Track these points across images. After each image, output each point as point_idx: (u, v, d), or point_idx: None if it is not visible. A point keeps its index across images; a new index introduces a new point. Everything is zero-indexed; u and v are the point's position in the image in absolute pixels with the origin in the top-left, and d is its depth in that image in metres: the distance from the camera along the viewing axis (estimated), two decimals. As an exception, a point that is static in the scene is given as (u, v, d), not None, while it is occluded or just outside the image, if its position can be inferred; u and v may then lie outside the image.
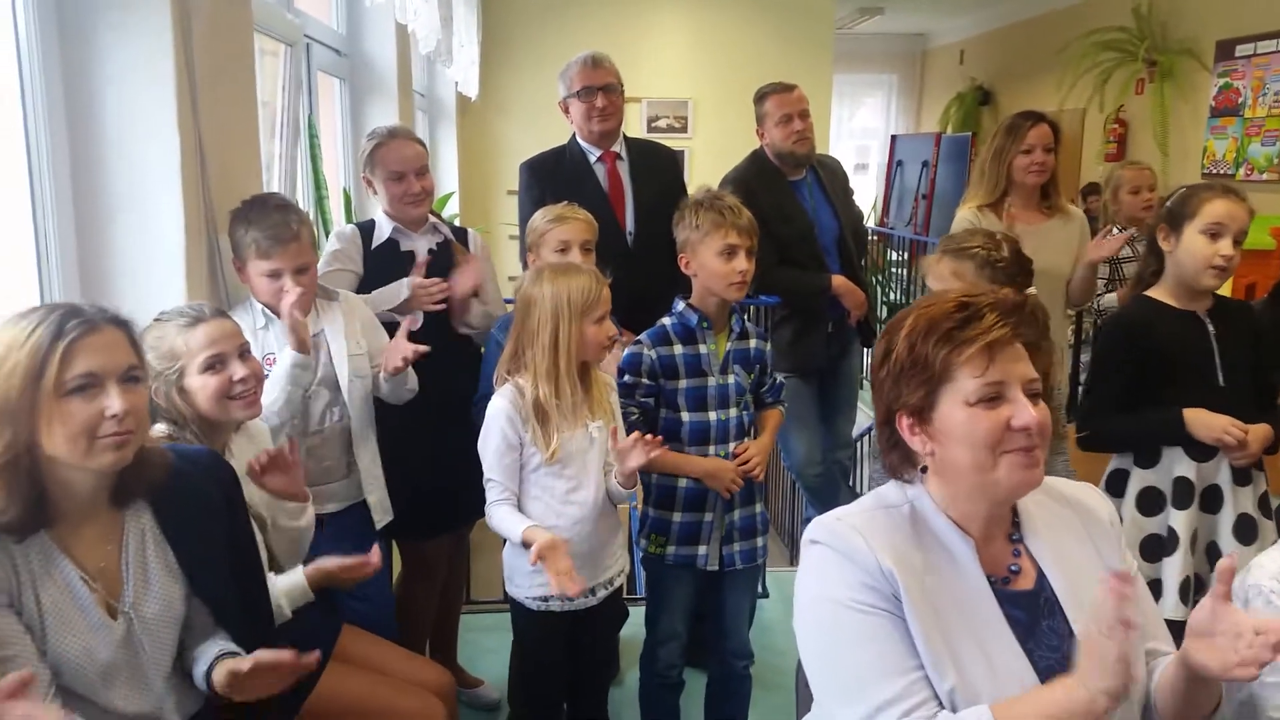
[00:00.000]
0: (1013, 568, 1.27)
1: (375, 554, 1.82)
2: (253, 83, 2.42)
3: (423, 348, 2.14)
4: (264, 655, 1.40)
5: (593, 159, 2.96)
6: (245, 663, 1.40)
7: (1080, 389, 2.37)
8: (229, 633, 1.51)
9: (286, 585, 1.74)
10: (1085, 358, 3.64)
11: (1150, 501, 2.24)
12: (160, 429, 1.71)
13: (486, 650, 3.01)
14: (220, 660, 1.45)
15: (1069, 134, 6.49)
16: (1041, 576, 1.27)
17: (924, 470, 1.28)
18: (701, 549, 2.24)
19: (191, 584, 1.46)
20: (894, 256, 7.47)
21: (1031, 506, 1.31)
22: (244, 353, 1.78)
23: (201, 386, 1.71)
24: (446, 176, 6.37)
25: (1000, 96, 8.51)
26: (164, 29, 1.91)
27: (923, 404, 1.22)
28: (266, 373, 1.94)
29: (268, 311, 2.12)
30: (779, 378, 2.38)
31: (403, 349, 2.15)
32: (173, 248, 2.01)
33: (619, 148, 2.99)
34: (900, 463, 1.30)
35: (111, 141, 1.96)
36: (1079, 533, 1.31)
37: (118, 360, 1.31)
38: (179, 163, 1.98)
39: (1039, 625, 1.23)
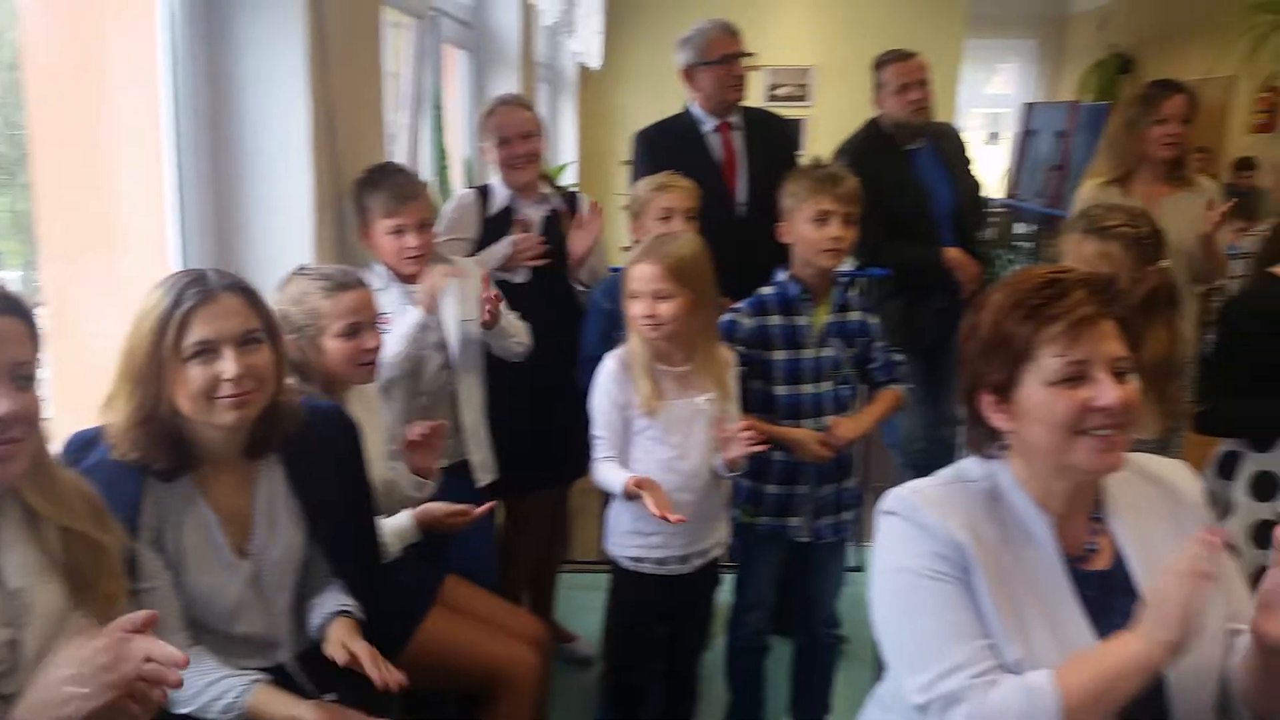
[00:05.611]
0: (1090, 546, 1.26)
1: (479, 509, 1.93)
2: (379, 55, 2.54)
3: (437, 277, 2.21)
4: (368, 659, 1.49)
5: (707, 128, 2.98)
6: (360, 650, 1.49)
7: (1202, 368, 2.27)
8: (343, 576, 1.63)
9: (396, 526, 1.87)
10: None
11: (1263, 486, 2.15)
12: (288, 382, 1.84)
13: (584, 607, 3.09)
14: (335, 620, 1.56)
15: (1216, 104, 6.15)
16: (1119, 556, 1.26)
17: (1007, 446, 1.28)
18: (794, 520, 2.26)
19: (313, 531, 1.58)
20: (1021, 230, 7.19)
21: (1116, 485, 1.29)
22: (375, 325, 1.91)
23: (337, 349, 1.85)
24: (565, 146, 6.48)
25: (1142, 64, 8.06)
26: (297, 2, 2.02)
27: (1005, 382, 1.22)
28: (382, 330, 2.07)
29: (388, 274, 2.24)
30: (894, 356, 2.34)
31: (424, 285, 2.21)
32: (302, 214, 2.13)
33: (734, 117, 3.00)
34: (982, 438, 1.30)
35: (247, 112, 2.08)
36: (1163, 513, 1.29)
37: (234, 326, 1.41)
38: (310, 132, 2.10)
39: (1113, 605, 1.22)
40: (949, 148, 3.42)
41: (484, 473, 2.39)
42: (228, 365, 1.39)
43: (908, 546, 1.24)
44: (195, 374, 1.39)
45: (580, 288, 2.67)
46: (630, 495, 1.99)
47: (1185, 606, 1.06)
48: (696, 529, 2.12)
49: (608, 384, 2.08)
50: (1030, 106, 8.83)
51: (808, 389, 2.23)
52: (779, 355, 2.22)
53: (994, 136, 10.09)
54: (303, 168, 2.12)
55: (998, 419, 1.25)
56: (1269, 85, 6.11)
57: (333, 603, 1.60)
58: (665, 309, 1.99)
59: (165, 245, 2.04)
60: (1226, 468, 2.21)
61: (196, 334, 1.39)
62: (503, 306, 2.30)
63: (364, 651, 1.49)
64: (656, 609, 2.19)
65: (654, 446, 2.08)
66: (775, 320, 2.22)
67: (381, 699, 1.53)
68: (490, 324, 2.26)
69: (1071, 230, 2.08)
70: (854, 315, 2.29)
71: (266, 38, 2.04)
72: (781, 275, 2.26)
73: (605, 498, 2.21)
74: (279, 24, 2.03)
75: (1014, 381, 1.21)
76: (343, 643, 1.50)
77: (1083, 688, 1.11)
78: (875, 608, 1.28)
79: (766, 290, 2.26)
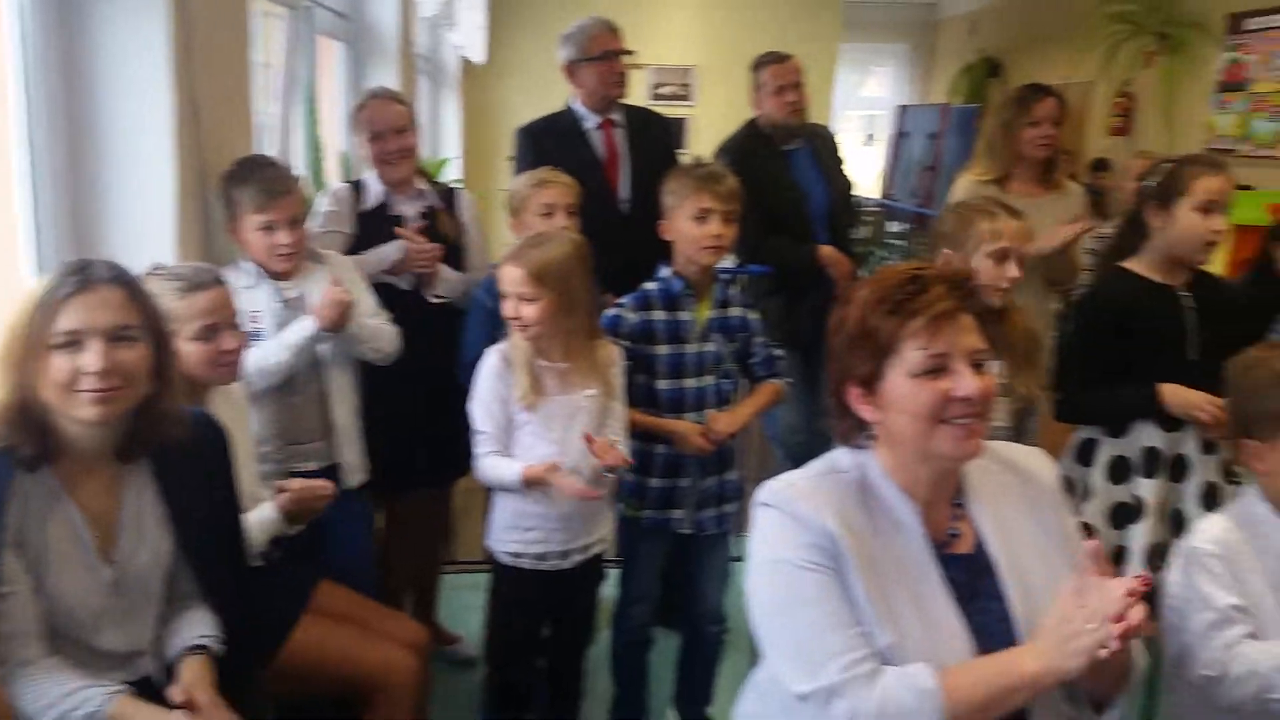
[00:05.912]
0: (952, 532, 1.31)
1: (330, 484, 1.88)
2: (248, 44, 2.45)
3: (340, 292, 2.12)
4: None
5: (590, 125, 2.99)
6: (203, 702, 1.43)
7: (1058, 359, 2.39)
8: (211, 586, 1.57)
9: (259, 518, 1.80)
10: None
11: (1119, 470, 2.28)
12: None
13: (468, 607, 3.05)
14: (188, 659, 1.49)
15: (1076, 107, 6.46)
16: (980, 540, 1.32)
17: (874, 437, 1.33)
18: (677, 513, 2.29)
19: (181, 540, 1.53)
20: (895, 228, 7.43)
21: (976, 473, 1.35)
22: (234, 324, 1.85)
23: (192, 352, 1.77)
24: (448, 141, 6.39)
25: (1009, 69, 8.43)
26: (159, -11, 1.93)
27: (871, 374, 1.26)
28: (250, 329, 2.00)
29: (257, 271, 2.17)
30: (774, 351, 2.39)
31: (325, 300, 2.12)
32: (165, 208, 2.05)
33: (616, 114, 3.02)
34: (851, 429, 1.34)
35: (105, 102, 1.98)
36: (1020, 498, 1.35)
37: (105, 319, 1.37)
38: (172, 123, 2.02)
39: (977, 588, 1.28)
40: (823, 148, 3.51)
41: (353, 473, 2.32)
42: (90, 359, 1.35)
43: (783, 538, 1.26)
44: (58, 364, 1.35)
45: (437, 298, 2.58)
46: (529, 484, 1.99)
47: (1095, 646, 1.11)
48: (577, 525, 2.13)
49: (490, 378, 2.07)
50: (904, 109, 9.13)
51: (690, 383, 2.25)
52: (662, 350, 2.24)
53: (870, 138, 10.38)
54: (165, 160, 2.03)
55: (865, 410, 1.29)
56: (1123, 90, 6.46)
57: (191, 633, 1.54)
58: (529, 311, 2.00)
59: (16, 241, 1.93)
60: (1085, 454, 2.33)
61: (64, 323, 1.35)
62: (361, 313, 2.22)
63: (206, 705, 1.43)
64: (537, 606, 2.19)
65: (534, 442, 2.07)
66: (659, 315, 2.25)
67: (251, 707, 1.48)
68: (333, 328, 2.13)
69: (993, 218, 2.08)
70: (735, 311, 2.33)
71: (126, 22, 1.95)
72: (665, 271, 2.28)
73: (489, 496, 2.19)
74: (139, 8, 1.95)
75: (879, 374, 1.26)
76: (188, 692, 1.43)
77: (969, 697, 1.16)
78: (752, 598, 1.31)
79: (650, 286, 2.28)
